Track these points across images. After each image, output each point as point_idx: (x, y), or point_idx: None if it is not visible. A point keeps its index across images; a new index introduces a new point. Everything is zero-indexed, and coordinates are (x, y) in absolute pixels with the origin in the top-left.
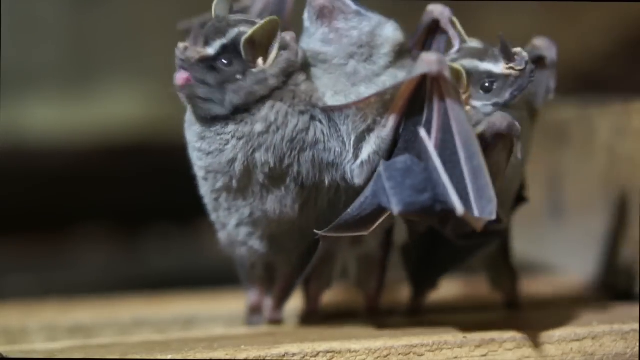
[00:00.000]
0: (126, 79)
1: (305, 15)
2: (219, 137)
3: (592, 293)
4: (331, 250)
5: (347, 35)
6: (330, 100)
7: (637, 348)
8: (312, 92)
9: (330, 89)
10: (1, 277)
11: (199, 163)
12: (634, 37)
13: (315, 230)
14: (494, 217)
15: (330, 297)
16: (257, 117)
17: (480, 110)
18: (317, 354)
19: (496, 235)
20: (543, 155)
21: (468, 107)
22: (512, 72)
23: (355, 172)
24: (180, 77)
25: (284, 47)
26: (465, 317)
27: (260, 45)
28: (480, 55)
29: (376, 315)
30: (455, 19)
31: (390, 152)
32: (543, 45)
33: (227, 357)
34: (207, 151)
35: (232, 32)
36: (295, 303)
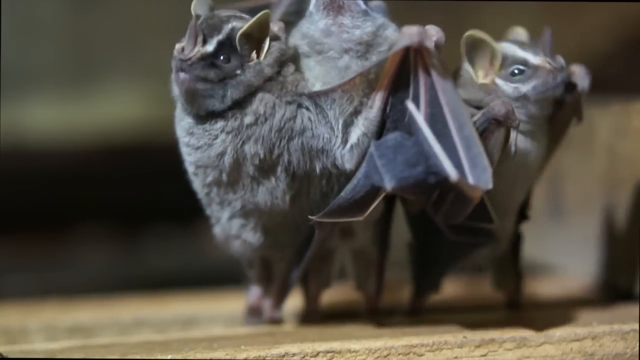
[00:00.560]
0: (126, 79)
1: (313, 1)
2: (207, 133)
3: (592, 293)
4: (326, 246)
5: (348, 32)
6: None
7: (637, 348)
8: (299, 81)
9: (320, 81)
10: (1, 277)
11: (188, 158)
12: (634, 37)
13: (309, 217)
14: (490, 186)
15: (330, 297)
16: (247, 110)
17: (500, 88)
18: (317, 354)
19: (488, 235)
20: None
21: (489, 82)
22: (547, 65)
23: (345, 157)
24: (184, 78)
25: (274, 38)
26: (465, 317)
27: (253, 39)
28: (522, 44)
29: (376, 315)
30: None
31: (379, 133)
32: (579, 72)
33: (227, 357)
34: (196, 146)
35: (226, 28)
36: (295, 303)
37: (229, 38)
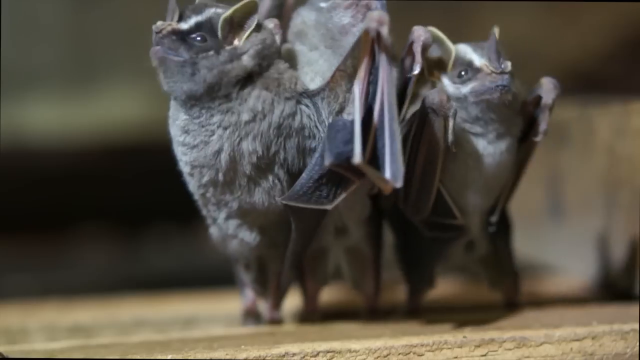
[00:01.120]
0: (126, 79)
1: None
2: (203, 129)
3: (592, 293)
4: (320, 244)
5: (353, 34)
6: (318, 85)
7: (637, 348)
8: (296, 79)
9: (321, 76)
10: (1, 277)
11: (184, 158)
12: (634, 37)
13: (276, 198)
14: (399, 185)
15: (330, 297)
16: (243, 107)
17: (445, 87)
18: (317, 354)
19: (457, 230)
20: (543, 155)
21: (436, 81)
22: (485, 68)
23: None
24: (155, 50)
25: (261, 29)
26: (465, 317)
27: (238, 26)
28: (478, 47)
29: (376, 315)
30: (428, 47)
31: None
32: (545, 85)
33: (227, 357)
34: (192, 144)
35: (209, 12)
36: (294, 303)
37: (210, 21)
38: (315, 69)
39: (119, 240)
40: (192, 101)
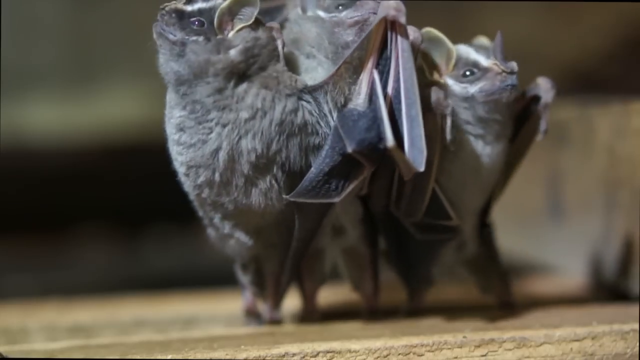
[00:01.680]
0: (126, 79)
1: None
2: (201, 127)
3: (592, 293)
4: (316, 245)
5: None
6: None
7: (637, 348)
8: (296, 78)
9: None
10: (1, 277)
11: (179, 158)
12: (634, 37)
13: (284, 196)
14: (421, 168)
15: (330, 297)
16: (241, 105)
17: (450, 87)
18: (317, 354)
19: (451, 231)
20: (543, 155)
21: (441, 81)
22: (495, 67)
23: None
24: (154, 27)
25: (257, 27)
26: (465, 317)
27: (238, 20)
28: (479, 47)
29: (376, 315)
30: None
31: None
32: (543, 85)
33: (227, 357)
34: (189, 143)
35: (214, 2)
36: (294, 303)
37: (212, 10)
38: (314, 76)
39: (119, 240)
40: (182, 88)
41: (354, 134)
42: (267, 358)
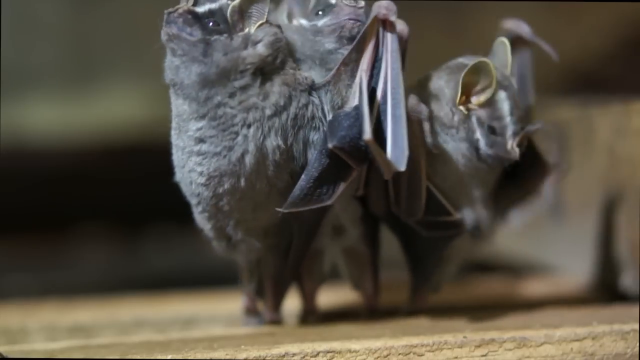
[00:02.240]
0: (126, 79)
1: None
2: (226, 133)
3: (592, 293)
4: (317, 244)
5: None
6: None
7: (637, 348)
8: (306, 75)
9: None
10: (1, 277)
11: (198, 169)
12: (634, 37)
13: (277, 209)
14: (402, 168)
15: (330, 297)
16: (266, 102)
17: (472, 124)
18: (317, 354)
19: (456, 227)
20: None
21: (464, 111)
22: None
23: None
24: (166, 30)
25: (270, 24)
26: (465, 317)
27: (247, 17)
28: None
29: (376, 315)
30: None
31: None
32: (513, 25)
33: (227, 357)
34: (213, 152)
35: (221, 1)
36: (294, 303)
37: (222, 9)
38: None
39: (119, 240)
40: (204, 91)
41: (336, 131)
42: (267, 358)
